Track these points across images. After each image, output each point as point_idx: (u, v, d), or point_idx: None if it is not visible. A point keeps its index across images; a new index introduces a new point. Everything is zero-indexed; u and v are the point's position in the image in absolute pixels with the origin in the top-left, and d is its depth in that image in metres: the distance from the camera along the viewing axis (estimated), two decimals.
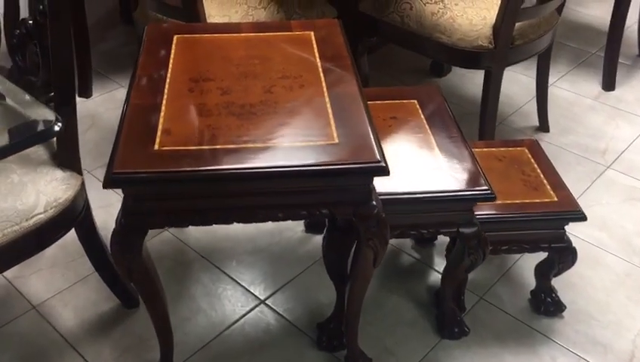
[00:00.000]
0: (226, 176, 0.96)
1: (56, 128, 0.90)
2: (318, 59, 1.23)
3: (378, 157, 0.98)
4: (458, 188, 1.15)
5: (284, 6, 1.66)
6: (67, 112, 1.10)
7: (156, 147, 0.98)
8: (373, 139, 1.01)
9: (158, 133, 1.02)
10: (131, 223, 0.99)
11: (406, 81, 2.24)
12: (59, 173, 1.12)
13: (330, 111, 1.08)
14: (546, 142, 1.96)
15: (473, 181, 1.16)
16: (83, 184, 1.16)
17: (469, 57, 1.64)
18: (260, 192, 1.01)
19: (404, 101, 1.38)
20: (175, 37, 1.29)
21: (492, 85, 1.68)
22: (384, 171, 0.98)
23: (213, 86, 1.14)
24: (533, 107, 2.08)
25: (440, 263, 1.53)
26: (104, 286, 1.38)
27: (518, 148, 1.43)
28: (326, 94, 1.12)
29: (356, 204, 1.03)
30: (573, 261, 1.33)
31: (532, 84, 2.08)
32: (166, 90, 1.12)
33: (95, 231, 1.24)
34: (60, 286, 1.45)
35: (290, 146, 1.00)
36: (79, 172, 1.16)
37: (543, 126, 2.01)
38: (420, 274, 1.52)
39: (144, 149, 0.98)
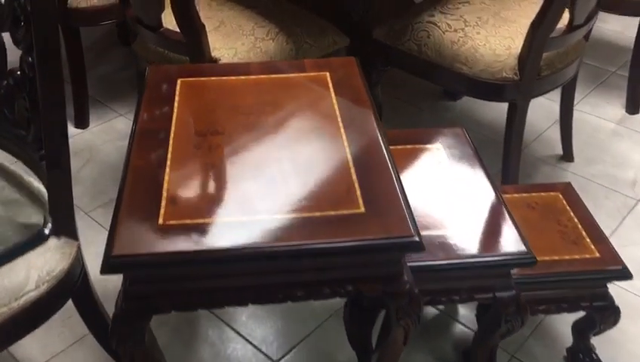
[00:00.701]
0: (240, 257, 0.85)
1: (46, 231, 0.79)
2: (336, 107, 1.12)
3: (412, 230, 0.87)
4: (495, 254, 1.04)
5: (293, 36, 1.55)
6: (59, 175, 0.99)
7: (160, 221, 0.87)
8: (404, 208, 0.90)
9: (163, 202, 0.90)
10: (133, 308, 0.88)
11: (419, 104, 2.13)
12: (52, 242, 1.01)
13: (353, 171, 0.97)
14: (571, 173, 1.85)
15: (511, 243, 1.05)
16: (79, 250, 1.05)
17: (492, 89, 1.53)
18: (277, 271, 0.90)
19: (428, 146, 1.27)
20: (179, 81, 1.18)
21: (517, 119, 1.57)
22: (418, 247, 0.87)
23: (222, 141, 1.03)
24: (555, 133, 1.97)
25: (467, 315, 1.42)
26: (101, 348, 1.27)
27: (552, 194, 1.32)
28: (347, 151, 1.01)
29: (385, 280, 0.92)
30: (615, 321, 1.22)
31: (553, 107, 1.98)
32: (170, 147, 1.01)
33: (93, 297, 1.13)
34: (56, 349, 1.34)
35: (310, 218, 0.88)
36: (75, 237, 1.04)
37: (568, 155, 1.90)
38: (446, 329, 1.40)
39: (147, 225, 0.87)
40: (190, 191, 0.93)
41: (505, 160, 1.64)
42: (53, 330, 1.38)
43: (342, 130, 1.06)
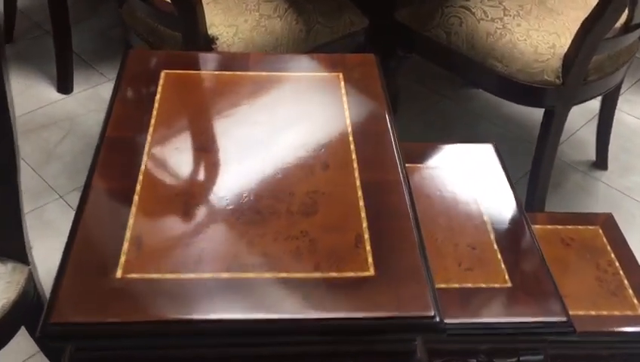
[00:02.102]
0: (215, 330, 0.68)
1: None
2: (347, 118, 0.93)
3: (432, 310, 0.69)
4: (525, 318, 0.87)
5: (304, 15, 1.34)
6: (7, 191, 0.81)
7: (119, 274, 0.69)
8: (424, 275, 0.73)
9: (125, 246, 0.73)
10: None
11: (442, 92, 1.92)
12: None
13: (364, 215, 0.78)
14: (604, 183, 1.67)
15: (547, 306, 0.88)
16: (31, 275, 0.88)
17: (529, 93, 1.33)
18: (261, 344, 0.74)
19: (450, 167, 1.08)
20: (163, 73, 0.98)
21: (553, 128, 1.37)
22: (439, 329, 0.70)
23: (207, 161, 0.84)
24: (588, 133, 1.78)
25: None
26: None
27: (590, 228, 1.14)
28: (358, 186, 0.82)
29: (394, 357, 0.76)
30: None
31: (591, 103, 1.77)
32: (143, 166, 0.83)
33: None
34: None
35: (308, 280, 0.71)
36: (25, 261, 0.87)
37: (601, 162, 1.70)
38: None
39: (101, 279, 0.69)
40: (162, 232, 0.75)
41: (534, 173, 1.45)
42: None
43: (353, 150, 0.87)
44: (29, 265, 0.88)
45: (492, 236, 0.97)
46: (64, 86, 1.80)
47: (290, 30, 1.32)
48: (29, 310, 0.89)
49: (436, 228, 0.97)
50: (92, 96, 1.81)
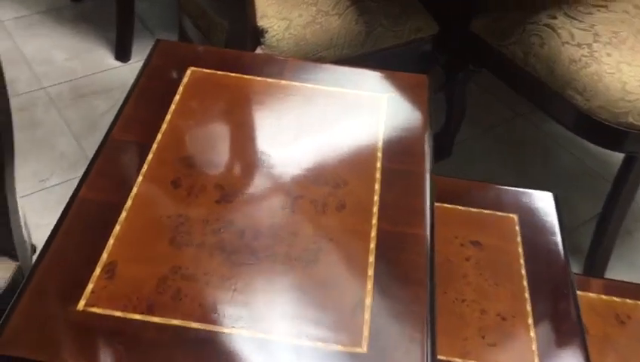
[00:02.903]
0: None
1: None
2: (379, 151, 0.81)
3: None
4: None
5: (366, 15, 1.22)
6: None
7: (80, 305, 0.63)
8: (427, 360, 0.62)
9: (96, 271, 0.65)
10: None
11: (515, 108, 1.75)
12: None
13: (370, 275, 0.68)
14: None
15: None
16: (19, 271, 0.84)
17: (609, 134, 1.16)
18: None
19: (498, 214, 0.95)
20: (189, 71, 0.90)
21: (632, 176, 1.20)
22: None
23: (209, 182, 0.76)
24: None
25: None
26: None
27: None
28: (373, 236, 0.72)
29: None
30: None
31: None
32: (140, 178, 0.75)
33: None
34: None
35: (285, 345, 0.62)
36: (13, 256, 0.82)
37: None
38: None
39: (60, 309, 0.62)
40: (139, 257, 0.67)
41: (602, 220, 1.28)
42: None
43: (376, 192, 0.76)
44: (17, 261, 0.83)
45: (529, 306, 0.84)
46: (122, 53, 1.76)
47: (348, 30, 1.21)
48: None
49: (465, 288, 0.85)
50: None
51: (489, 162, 1.60)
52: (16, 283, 0.83)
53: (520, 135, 1.70)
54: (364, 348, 0.61)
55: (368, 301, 0.65)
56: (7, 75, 1.77)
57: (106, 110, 1.60)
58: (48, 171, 1.44)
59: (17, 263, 0.83)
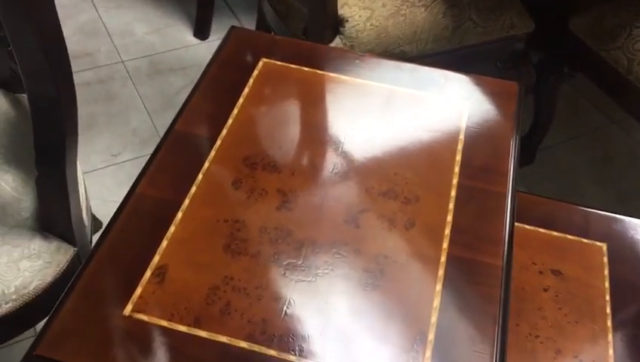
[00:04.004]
0: None
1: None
2: (457, 165, 0.75)
3: None
4: None
5: (455, 8, 1.13)
6: (54, 159, 0.73)
7: (127, 311, 0.60)
8: None
9: (147, 274, 0.63)
10: None
11: (611, 115, 1.61)
12: (36, 244, 0.78)
13: (435, 306, 0.62)
14: None
15: None
16: (77, 257, 0.82)
17: None
18: None
19: (584, 241, 0.86)
20: (261, 62, 0.86)
21: None
22: None
23: (271, 185, 0.71)
24: None
25: None
26: None
27: None
28: (442, 261, 0.65)
29: None
30: None
31: None
32: (200, 176, 0.72)
33: None
34: None
35: None
36: (71, 241, 0.81)
37: None
38: None
39: (104, 314, 0.60)
40: (192, 266, 0.64)
41: None
42: None
43: (449, 215, 0.69)
44: (75, 246, 0.82)
45: (611, 350, 0.75)
46: (201, 30, 1.74)
47: (434, 24, 1.13)
48: None
49: (540, 322, 0.77)
50: None
51: (575, 173, 1.49)
52: (72, 269, 0.82)
53: (613, 145, 1.56)
54: None
55: (431, 336, 0.59)
56: (89, 47, 1.79)
57: (180, 88, 1.59)
58: (121, 146, 1.44)
59: (75, 248, 0.82)
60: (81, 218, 0.83)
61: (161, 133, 1.54)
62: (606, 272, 0.82)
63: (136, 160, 1.41)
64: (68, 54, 0.69)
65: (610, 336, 0.75)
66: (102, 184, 1.36)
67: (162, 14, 1.78)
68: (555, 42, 1.25)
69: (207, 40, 1.74)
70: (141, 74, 1.62)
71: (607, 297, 0.79)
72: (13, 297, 0.75)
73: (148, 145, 1.45)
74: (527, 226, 0.86)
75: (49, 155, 0.71)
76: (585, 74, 1.23)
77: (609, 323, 0.77)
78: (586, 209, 0.90)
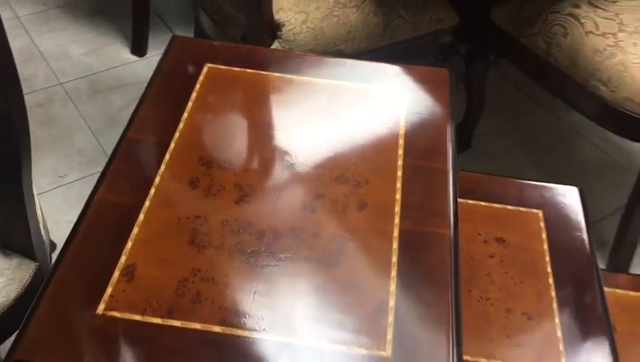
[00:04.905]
0: None
1: None
2: (400, 148, 0.80)
3: None
4: None
5: (385, 6, 1.20)
6: (11, 175, 0.74)
7: (100, 309, 0.62)
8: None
9: (115, 274, 0.65)
10: None
11: (536, 98, 1.71)
12: None
13: (393, 276, 0.67)
14: None
15: None
16: (38, 272, 0.83)
17: (635, 127, 1.13)
18: None
19: (522, 210, 0.93)
20: (206, 67, 0.89)
21: None
22: None
23: (228, 181, 0.74)
24: None
25: None
26: None
27: None
28: (395, 235, 0.70)
29: None
30: None
31: None
32: (158, 178, 0.74)
33: None
34: None
35: (307, 348, 0.61)
36: (32, 256, 0.82)
37: None
38: None
39: (79, 314, 0.62)
40: (161, 262, 0.67)
41: (627, 213, 1.25)
42: None
43: (398, 193, 0.74)
44: (36, 261, 0.83)
45: (555, 304, 0.82)
46: (138, 47, 1.75)
47: (366, 23, 1.18)
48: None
49: (489, 286, 0.83)
50: None
51: (509, 154, 1.58)
52: (35, 284, 0.83)
53: (541, 126, 1.66)
54: (388, 352, 0.60)
55: (392, 303, 0.64)
56: (25, 72, 1.78)
57: (123, 105, 1.59)
58: (67, 167, 1.44)
59: (36, 263, 0.83)
60: (40, 233, 0.84)
61: (108, 151, 1.54)
62: (544, 236, 0.89)
63: (85, 179, 1.41)
64: (16, 67, 0.70)
65: (553, 292, 0.82)
66: (52, 206, 1.35)
67: (97, 34, 1.78)
68: (479, 33, 1.33)
69: (145, 57, 1.75)
70: (81, 94, 1.62)
71: (547, 258, 0.86)
72: None
73: (96, 164, 1.45)
74: (470, 201, 0.92)
75: (5, 170, 0.72)
76: (509, 60, 1.32)
77: (551, 281, 0.83)
78: (521, 181, 0.97)
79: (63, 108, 1.58)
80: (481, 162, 1.53)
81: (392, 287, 0.65)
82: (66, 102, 1.59)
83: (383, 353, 0.60)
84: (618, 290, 0.97)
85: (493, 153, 1.57)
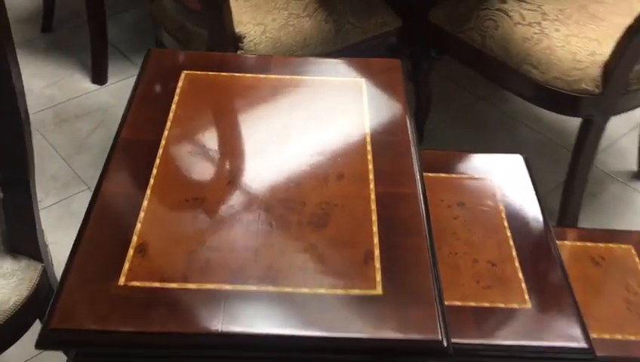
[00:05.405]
0: (215, 344, 0.67)
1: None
2: (366, 126, 0.90)
3: (439, 334, 0.67)
4: (543, 342, 0.83)
5: (334, 14, 1.31)
6: (18, 188, 0.81)
7: (121, 281, 0.69)
8: (434, 296, 0.70)
9: (130, 252, 0.72)
10: None
11: (476, 92, 1.86)
12: (8, 264, 0.85)
13: (375, 229, 0.76)
14: None
15: (567, 330, 0.84)
16: (44, 272, 0.89)
17: (565, 102, 1.28)
18: (262, 358, 0.73)
19: (477, 177, 1.05)
20: (183, 74, 0.98)
21: (590, 138, 1.31)
22: (445, 354, 0.68)
23: (220, 167, 0.83)
24: (631, 142, 1.70)
25: None
26: None
27: (623, 246, 1.09)
28: (372, 198, 0.80)
29: None
30: None
31: (633, 111, 1.70)
32: (155, 168, 0.82)
33: None
34: (29, 353, 1.21)
35: (311, 295, 0.69)
36: (38, 258, 0.88)
37: None
38: None
39: (103, 286, 0.69)
40: (167, 236, 0.74)
41: (568, 184, 1.39)
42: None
43: (370, 164, 0.84)
44: (42, 263, 0.89)
45: (514, 253, 0.93)
46: (98, 77, 1.81)
47: (319, 30, 1.30)
48: (44, 306, 0.90)
49: (456, 243, 0.94)
50: (126, 88, 1.82)
51: (459, 144, 1.71)
52: (43, 283, 0.89)
53: (484, 117, 1.81)
54: (379, 291, 0.69)
55: (377, 252, 0.73)
56: None
57: (90, 130, 1.65)
58: (43, 193, 1.48)
59: (42, 264, 0.89)
60: (43, 237, 0.90)
61: (81, 175, 1.60)
62: (498, 197, 1.00)
63: (61, 202, 1.46)
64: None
65: (511, 242, 0.93)
66: None
67: (57, 67, 1.84)
68: (421, 33, 1.46)
69: (106, 85, 1.82)
70: (47, 124, 1.67)
71: (503, 215, 0.97)
72: None
73: (70, 187, 1.50)
74: (431, 174, 1.03)
75: (14, 175, 0.79)
76: (450, 55, 1.45)
77: (508, 233, 0.95)
78: (473, 154, 1.09)
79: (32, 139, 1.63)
80: None
81: (376, 240, 0.75)
82: (33, 133, 1.62)
83: (375, 292, 0.69)
84: (567, 242, 1.09)
85: (444, 145, 1.69)
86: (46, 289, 0.90)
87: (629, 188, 1.62)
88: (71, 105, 1.73)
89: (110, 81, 1.83)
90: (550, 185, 1.57)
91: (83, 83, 1.81)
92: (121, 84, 1.83)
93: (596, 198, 1.59)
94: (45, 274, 0.89)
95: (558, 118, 1.79)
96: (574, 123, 1.41)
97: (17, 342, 1.21)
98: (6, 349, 0.85)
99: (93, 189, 1.56)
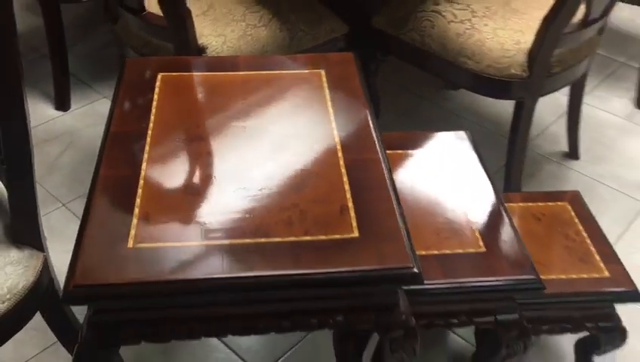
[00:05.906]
0: (217, 287, 0.76)
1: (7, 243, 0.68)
2: (330, 109, 1.02)
3: (410, 260, 0.78)
4: (499, 278, 0.95)
5: (287, 24, 1.44)
6: (23, 185, 0.89)
7: (130, 244, 0.78)
8: (403, 234, 0.81)
9: (134, 221, 0.81)
10: (98, 339, 0.79)
11: (419, 93, 2.02)
12: (14, 253, 0.92)
13: (347, 188, 0.88)
14: (577, 172, 1.77)
15: (518, 266, 0.97)
16: (46, 261, 0.96)
17: (499, 87, 1.43)
18: (260, 300, 0.82)
19: (428, 151, 1.18)
20: (159, 76, 1.08)
21: (523, 118, 1.47)
22: (418, 280, 0.79)
23: (204, 149, 0.93)
24: (561, 127, 1.88)
25: (466, 329, 1.35)
26: None
27: (559, 204, 1.24)
28: (342, 165, 0.92)
29: (379, 310, 0.84)
30: (622, 341, 1.15)
31: (561, 99, 1.88)
32: (146, 155, 0.92)
33: (62, 308, 1.04)
34: (29, 353, 1.26)
35: (298, 242, 0.80)
36: (40, 248, 0.95)
37: (573, 153, 1.80)
38: (443, 343, 1.33)
39: (115, 249, 0.78)
40: (166, 206, 0.84)
41: (509, 161, 1.55)
42: (25, 333, 1.30)
43: (336, 138, 0.96)
44: (43, 252, 0.96)
45: (467, 211, 1.06)
46: (62, 103, 1.88)
47: (275, 38, 1.42)
48: (44, 295, 0.97)
49: (415, 206, 1.06)
50: (89, 112, 1.90)
51: None
52: (45, 272, 0.96)
53: (428, 114, 1.96)
54: (356, 234, 0.80)
55: (350, 205, 0.85)
56: None
57: (59, 153, 1.72)
58: None
59: (44, 253, 0.96)
60: (42, 228, 0.97)
61: (54, 194, 1.66)
62: (450, 167, 1.14)
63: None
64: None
65: (463, 201, 1.06)
66: None
67: None
68: (366, 37, 1.60)
69: (69, 111, 1.89)
70: None
71: (454, 179, 1.11)
72: (8, 297, 0.88)
73: (46, 205, 1.56)
74: (389, 151, 1.15)
75: (19, 169, 0.87)
76: (394, 55, 1.60)
77: (459, 194, 1.08)
78: (422, 132, 1.23)
79: None
80: None
81: (349, 195, 0.86)
82: None
83: (352, 235, 0.80)
84: (512, 204, 1.23)
85: None
86: (47, 278, 0.97)
87: (564, 166, 1.79)
88: (37, 130, 1.79)
89: (73, 107, 1.90)
90: (493, 168, 1.72)
91: (47, 110, 1.87)
92: (84, 109, 1.90)
93: (534, 177, 1.75)
94: (46, 263, 0.96)
95: (494, 111, 1.96)
96: (509, 114, 1.57)
97: (17, 342, 1.27)
98: (15, 333, 0.92)
99: (67, 205, 1.63)
